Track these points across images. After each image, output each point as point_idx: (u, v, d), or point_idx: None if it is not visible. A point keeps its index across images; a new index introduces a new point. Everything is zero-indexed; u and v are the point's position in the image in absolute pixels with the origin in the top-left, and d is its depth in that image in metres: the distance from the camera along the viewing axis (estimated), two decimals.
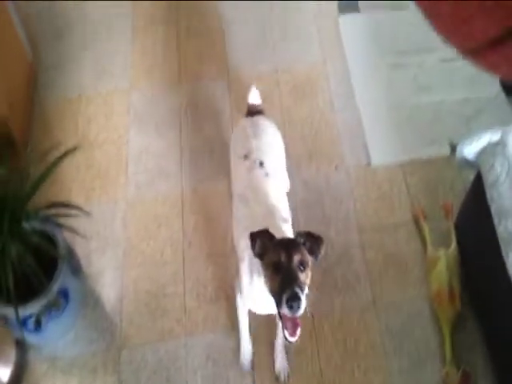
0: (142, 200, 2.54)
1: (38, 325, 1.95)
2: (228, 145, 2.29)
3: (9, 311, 1.81)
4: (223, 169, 2.54)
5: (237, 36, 3.06)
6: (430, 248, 2.33)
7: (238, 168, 2.04)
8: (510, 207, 1.77)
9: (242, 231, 1.85)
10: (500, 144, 1.92)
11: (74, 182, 2.57)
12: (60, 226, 1.94)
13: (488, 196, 1.88)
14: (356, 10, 3.20)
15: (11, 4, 2.66)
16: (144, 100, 2.84)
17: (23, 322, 1.87)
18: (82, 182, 2.58)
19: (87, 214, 1.98)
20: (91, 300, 2.30)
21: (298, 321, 1.50)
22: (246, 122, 2.19)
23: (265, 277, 1.57)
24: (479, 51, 0.33)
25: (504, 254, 1.77)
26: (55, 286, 1.91)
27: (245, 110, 2.29)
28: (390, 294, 2.32)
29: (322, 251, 1.60)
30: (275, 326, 2.07)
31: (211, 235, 2.46)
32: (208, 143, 2.69)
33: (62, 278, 1.93)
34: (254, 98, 2.26)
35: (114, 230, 2.45)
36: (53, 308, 1.96)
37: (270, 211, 1.88)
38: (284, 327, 1.51)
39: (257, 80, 2.84)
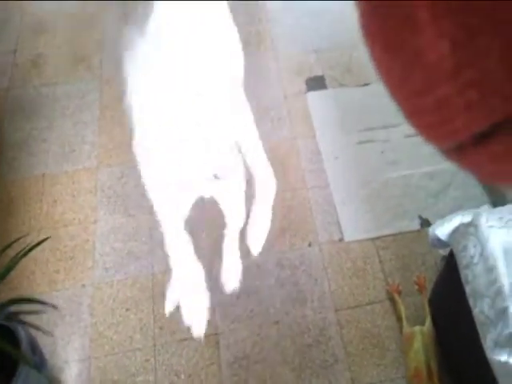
0: (110, 283, 2.44)
1: None
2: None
3: None
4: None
5: None
6: (405, 325, 2.30)
7: None
8: (484, 289, 1.75)
9: None
10: (472, 226, 1.93)
11: (37, 264, 2.46)
12: (23, 323, 1.82)
13: (462, 277, 1.86)
14: (323, 86, 3.28)
15: None
16: (112, 179, 2.78)
17: None
18: (46, 265, 2.47)
19: (52, 306, 1.87)
20: None
21: None
22: None
23: None
24: (461, 149, 0.31)
25: (481, 336, 1.74)
26: None
27: None
28: (369, 375, 2.26)
29: None
30: None
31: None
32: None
33: (24, 377, 1.80)
34: None
35: (81, 316, 2.33)
36: None
37: None
38: None
39: None
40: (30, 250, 1.82)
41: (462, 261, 1.89)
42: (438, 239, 2.16)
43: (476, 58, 0.26)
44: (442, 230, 2.06)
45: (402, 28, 0.28)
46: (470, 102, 0.27)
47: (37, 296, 2.34)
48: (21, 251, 1.81)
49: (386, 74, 0.32)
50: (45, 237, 2.31)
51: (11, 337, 1.83)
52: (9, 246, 1.82)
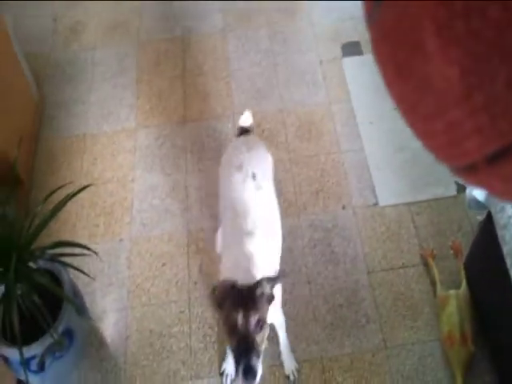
0: (147, 238, 2.51)
1: (42, 366, 1.90)
2: None
3: (12, 352, 1.76)
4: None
5: (242, 77, 3.10)
6: (439, 288, 2.29)
7: (230, 180, 1.99)
8: None
9: (225, 246, 1.86)
10: None
11: (78, 218, 2.56)
12: (65, 265, 1.90)
13: (500, 238, 1.84)
14: (359, 52, 3.26)
15: (17, 44, 2.70)
16: (150, 139, 2.85)
17: (26, 363, 1.82)
18: (86, 219, 2.56)
19: (93, 252, 1.94)
20: (95, 340, 2.26)
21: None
22: (237, 140, 2.22)
23: (223, 327, 1.55)
24: (472, 169, 0.31)
25: None
26: (60, 327, 1.86)
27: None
28: (401, 336, 2.26)
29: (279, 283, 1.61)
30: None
31: (217, 275, 2.41)
32: (212, 183, 2.67)
33: (67, 319, 1.89)
34: (246, 120, 2.28)
35: (119, 268, 2.42)
36: (57, 348, 1.91)
37: (252, 230, 1.82)
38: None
39: (262, 119, 2.86)
40: (74, 195, 1.89)
41: (499, 221, 1.86)
42: (476, 201, 2.13)
43: (484, 84, 0.27)
44: (480, 190, 2.03)
45: (412, 56, 0.29)
46: (480, 125, 0.28)
47: (76, 249, 2.44)
48: (66, 197, 1.88)
49: (398, 98, 0.33)
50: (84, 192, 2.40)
51: (55, 278, 1.92)
52: (54, 191, 1.89)
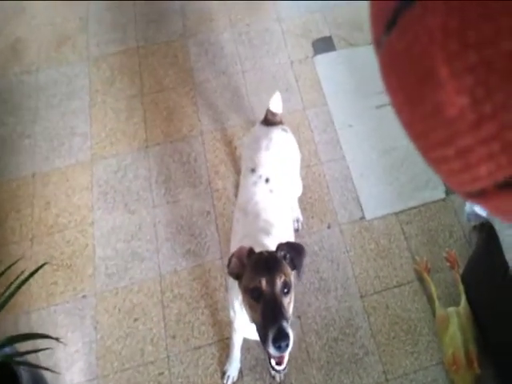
0: (114, 291, 2.22)
1: None
2: (209, 212, 2.13)
3: None
4: (207, 243, 2.25)
5: (208, 89, 2.78)
6: (438, 306, 2.15)
7: (244, 180, 1.86)
8: None
9: (236, 245, 1.63)
10: None
11: (33, 277, 2.23)
12: (22, 364, 1.60)
13: (507, 257, 1.71)
14: (332, 48, 2.96)
15: None
16: (108, 173, 2.53)
17: None
18: (42, 277, 2.24)
19: (56, 339, 1.64)
20: None
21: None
22: (260, 131, 1.96)
23: (243, 302, 1.38)
24: (483, 194, 0.30)
25: None
26: None
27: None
28: (402, 364, 2.11)
29: (304, 263, 1.45)
30: None
31: (198, 323, 2.15)
32: (186, 215, 2.39)
33: None
34: (276, 105, 1.98)
35: (84, 331, 2.13)
36: None
37: (266, 229, 1.69)
38: (270, 357, 1.36)
39: (233, 135, 2.59)
40: (25, 281, 1.59)
41: (505, 240, 1.72)
42: (476, 214, 2.02)
43: (496, 113, 0.26)
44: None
45: (422, 83, 0.29)
46: (492, 152, 0.27)
47: (33, 314, 2.14)
48: (16, 279, 1.59)
49: (408, 125, 0.33)
50: (38, 249, 2.11)
51: (12, 376, 1.62)
52: (1, 275, 1.59)
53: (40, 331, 2.05)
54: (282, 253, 1.42)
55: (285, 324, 1.25)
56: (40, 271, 2.18)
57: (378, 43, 0.32)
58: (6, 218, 2.39)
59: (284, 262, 1.39)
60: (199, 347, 2.09)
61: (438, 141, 0.30)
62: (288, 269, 1.38)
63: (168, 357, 2.08)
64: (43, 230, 2.32)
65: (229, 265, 1.41)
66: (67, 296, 2.20)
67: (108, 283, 2.23)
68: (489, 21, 0.25)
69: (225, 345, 2.09)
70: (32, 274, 1.64)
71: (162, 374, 2.05)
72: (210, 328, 2.13)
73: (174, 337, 2.12)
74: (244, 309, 1.42)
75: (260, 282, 1.30)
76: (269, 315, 1.28)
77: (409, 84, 0.30)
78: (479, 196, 0.31)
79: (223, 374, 2.04)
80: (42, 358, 1.98)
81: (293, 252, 1.44)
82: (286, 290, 1.33)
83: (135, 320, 2.15)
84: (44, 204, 2.42)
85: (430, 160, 0.33)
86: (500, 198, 0.30)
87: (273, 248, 1.51)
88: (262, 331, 1.29)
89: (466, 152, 0.29)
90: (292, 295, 1.37)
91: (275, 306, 1.28)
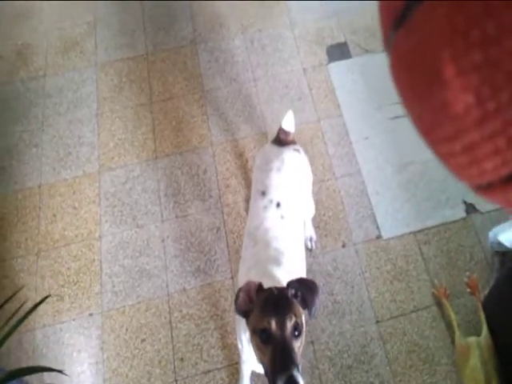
0: (121, 310, 2.15)
1: None
2: (219, 228, 2.06)
3: None
4: (216, 261, 2.18)
5: (218, 98, 2.70)
6: (458, 336, 2.04)
7: (254, 202, 1.77)
8: None
9: (245, 273, 1.58)
10: None
11: (38, 293, 2.17)
12: None
13: None
14: (347, 55, 2.88)
15: None
16: (116, 185, 2.46)
17: None
18: (47, 293, 2.17)
19: (59, 372, 1.57)
20: None
21: None
22: (271, 151, 1.87)
23: (251, 341, 1.28)
24: (490, 187, 0.31)
25: None
26: None
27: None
28: None
29: (317, 303, 1.35)
30: None
31: (208, 345, 2.08)
32: (195, 231, 2.31)
33: None
34: (288, 123, 1.90)
35: (90, 352, 2.06)
36: None
37: (277, 259, 1.60)
38: None
39: (244, 147, 2.51)
40: (28, 314, 1.51)
41: None
42: (499, 243, 1.91)
43: (501, 110, 0.26)
44: (506, 235, 1.76)
45: (430, 82, 0.29)
46: (498, 148, 0.28)
47: (39, 331, 2.08)
48: (20, 308, 1.51)
49: (416, 120, 0.33)
50: (44, 263, 2.03)
51: None
52: (1, 306, 1.52)
53: (45, 350, 1.99)
54: (293, 290, 1.34)
55: (295, 373, 1.16)
56: (46, 286, 2.14)
57: (387, 41, 0.33)
58: (12, 231, 2.33)
59: (295, 301, 1.31)
60: (208, 371, 2.02)
61: (445, 136, 0.31)
62: (299, 308, 1.31)
63: (176, 380, 2.01)
64: (49, 244, 2.25)
65: (236, 300, 1.32)
66: (73, 314, 2.13)
67: (115, 301, 2.16)
68: (492, 19, 0.25)
69: (235, 370, 2.02)
70: (35, 307, 1.57)
71: None
72: (220, 351, 2.06)
73: (182, 359, 2.05)
74: (251, 347, 1.34)
75: (269, 323, 1.22)
76: (278, 362, 1.19)
77: (417, 81, 0.30)
78: (486, 189, 0.32)
79: None
80: (47, 379, 1.91)
81: (304, 289, 1.36)
82: (296, 333, 1.24)
83: (142, 340, 2.08)
84: (50, 216, 2.35)
85: (439, 154, 0.33)
86: (506, 192, 0.31)
87: (284, 280, 1.43)
88: (271, 376, 1.20)
89: (472, 147, 0.29)
90: (303, 337, 1.28)
91: (285, 351, 1.20)
